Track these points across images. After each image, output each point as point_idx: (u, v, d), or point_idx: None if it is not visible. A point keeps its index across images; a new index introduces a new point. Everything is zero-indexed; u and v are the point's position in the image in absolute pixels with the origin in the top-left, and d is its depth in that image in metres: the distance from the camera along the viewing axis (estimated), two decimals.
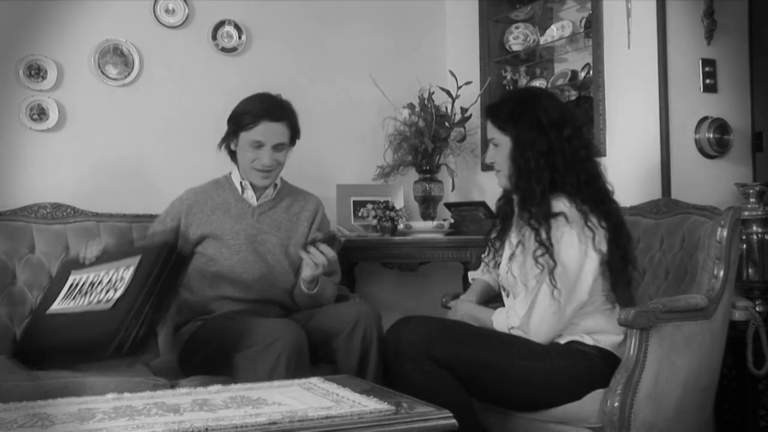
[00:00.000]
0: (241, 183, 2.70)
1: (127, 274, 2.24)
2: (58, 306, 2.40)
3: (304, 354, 2.26)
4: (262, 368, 2.18)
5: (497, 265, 2.37)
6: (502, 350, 2.13)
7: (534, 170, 2.17)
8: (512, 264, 2.26)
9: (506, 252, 2.32)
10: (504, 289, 2.37)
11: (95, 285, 2.32)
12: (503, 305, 2.35)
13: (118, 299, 2.20)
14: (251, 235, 2.65)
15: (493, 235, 2.42)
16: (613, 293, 2.21)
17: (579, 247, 2.12)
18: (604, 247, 2.15)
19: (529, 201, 2.19)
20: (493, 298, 2.52)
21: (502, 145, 2.26)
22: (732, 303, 2.33)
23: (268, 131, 2.58)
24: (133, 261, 2.26)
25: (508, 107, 2.28)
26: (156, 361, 2.63)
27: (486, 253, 2.50)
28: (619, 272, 2.20)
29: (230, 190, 2.72)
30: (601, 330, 2.19)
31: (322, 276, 2.56)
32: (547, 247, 2.12)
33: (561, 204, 2.15)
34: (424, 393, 1.90)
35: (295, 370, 2.17)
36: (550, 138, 2.17)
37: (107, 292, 2.25)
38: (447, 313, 2.48)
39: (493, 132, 2.29)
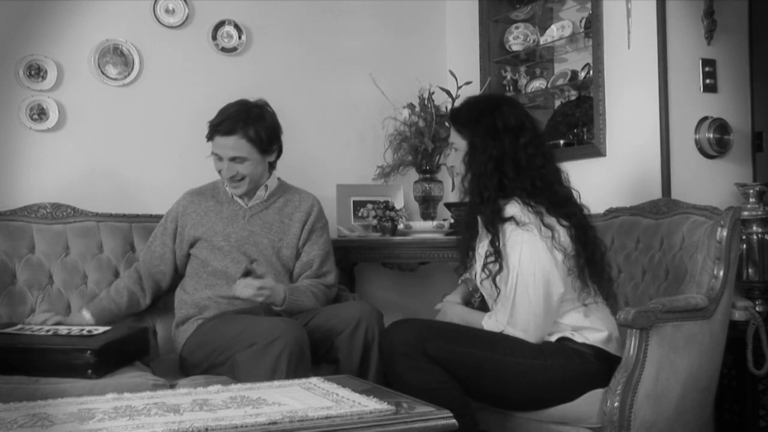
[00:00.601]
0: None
1: (102, 329, 2.39)
2: (17, 331, 2.37)
3: (306, 353, 2.26)
4: (263, 367, 2.17)
5: (475, 275, 2.38)
6: (495, 347, 2.13)
7: (483, 174, 2.20)
8: (484, 273, 2.27)
9: (478, 261, 2.32)
10: (485, 298, 2.37)
11: (52, 333, 2.35)
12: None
13: (96, 334, 2.32)
14: (242, 237, 2.65)
15: (467, 243, 2.42)
16: (585, 291, 2.21)
17: (538, 244, 2.13)
18: (567, 244, 2.16)
19: (478, 204, 2.22)
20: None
21: (461, 149, 2.30)
22: (732, 303, 2.34)
23: (221, 145, 2.60)
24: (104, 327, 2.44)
25: (468, 112, 2.32)
26: (156, 361, 2.63)
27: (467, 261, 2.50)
28: (589, 269, 2.20)
29: (224, 192, 2.74)
30: (582, 327, 2.20)
31: (296, 288, 2.57)
32: (499, 251, 2.15)
33: (512, 208, 2.18)
34: (421, 391, 1.91)
35: (296, 369, 2.17)
36: (504, 144, 2.20)
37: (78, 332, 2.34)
38: (436, 316, 2.48)
39: (454, 136, 2.33)
